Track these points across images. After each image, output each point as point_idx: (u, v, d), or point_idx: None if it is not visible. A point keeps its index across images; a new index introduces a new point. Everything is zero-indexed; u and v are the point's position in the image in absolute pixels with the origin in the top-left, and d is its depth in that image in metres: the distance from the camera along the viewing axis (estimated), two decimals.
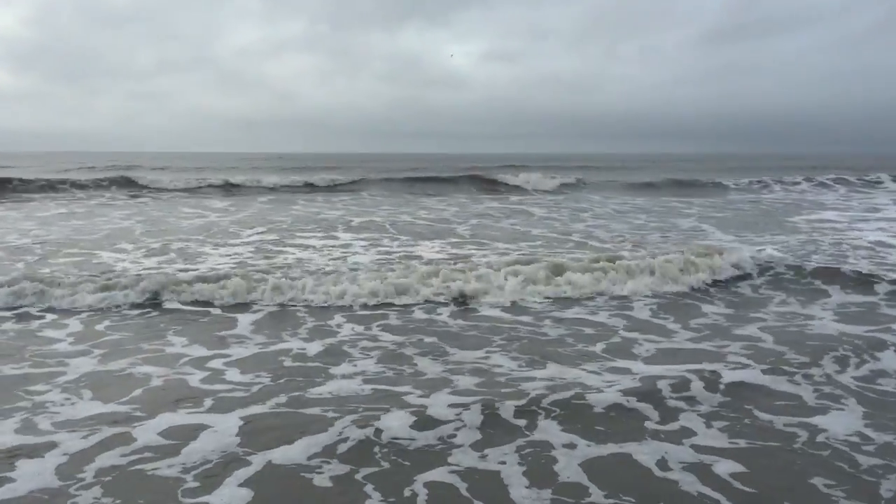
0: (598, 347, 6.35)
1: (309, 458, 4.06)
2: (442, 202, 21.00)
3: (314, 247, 11.57)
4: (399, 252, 11.06)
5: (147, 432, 4.38)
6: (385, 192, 23.50)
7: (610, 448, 4.22)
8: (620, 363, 5.87)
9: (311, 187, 23.19)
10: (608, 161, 60.60)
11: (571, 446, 4.24)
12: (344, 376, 5.49)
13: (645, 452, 4.17)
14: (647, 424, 4.60)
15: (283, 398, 5.00)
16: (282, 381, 5.38)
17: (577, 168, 41.88)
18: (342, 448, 4.20)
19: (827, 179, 29.82)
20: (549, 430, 4.49)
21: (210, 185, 22.85)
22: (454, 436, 4.38)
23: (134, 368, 5.62)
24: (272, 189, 23.04)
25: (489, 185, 26.08)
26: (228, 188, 22.49)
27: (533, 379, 5.43)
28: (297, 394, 5.09)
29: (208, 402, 4.90)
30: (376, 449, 4.19)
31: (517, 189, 25.38)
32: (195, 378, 5.43)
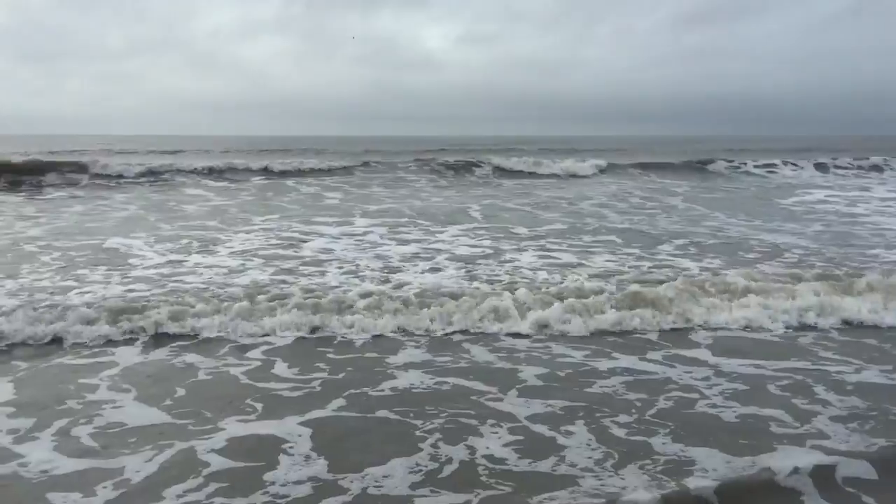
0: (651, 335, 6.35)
1: (412, 488, 3.54)
2: (441, 186, 20.82)
3: (331, 235, 11.26)
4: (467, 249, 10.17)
5: (212, 450, 3.94)
6: (379, 175, 23.13)
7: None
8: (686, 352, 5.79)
9: (302, 171, 22.58)
10: (590, 143, 60.67)
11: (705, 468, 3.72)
12: (400, 367, 5.32)
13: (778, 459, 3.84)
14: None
15: (344, 399, 4.68)
16: (339, 376, 5.15)
17: (565, 151, 41.88)
18: (446, 472, 3.70)
19: (802, 161, 30.06)
20: (665, 446, 4.02)
21: (196, 170, 21.99)
22: (563, 458, 3.84)
23: (177, 358, 5.47)
24: (264, 172, 22.46)
25: (487, 170, 25.21)
26: (219, 172, 21.81)
27: (604, 373, 5.29)
28: (359, 391, 4.84)
29: (263, 405, 4.58)
30: (482, 475, 3.65)
31: (521, 173, 24.81)
32: (240, 370, 5.25)
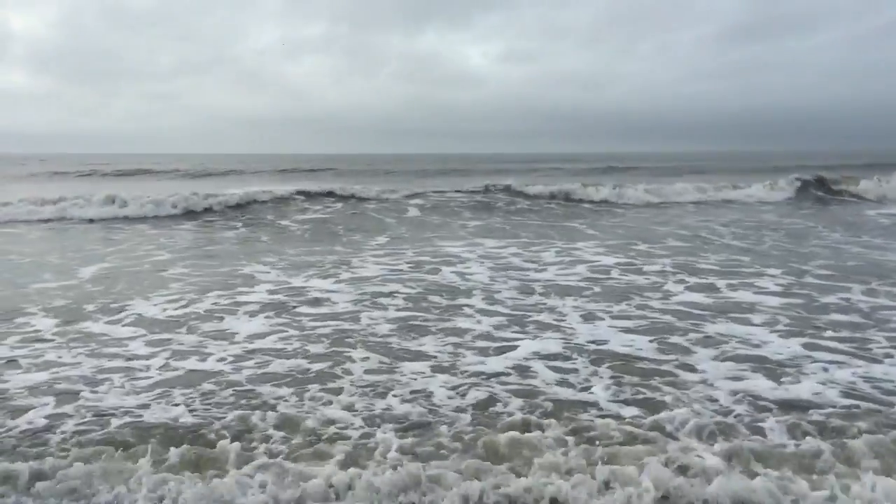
0: None
1: None
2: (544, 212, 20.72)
3: (462, 257, 11.30)
4: None
5: None
6: (460, 197, 22.69)
7: None
8: None
9: (385, 196, 20.85)
10: (644, 160, 60.47)
11: None
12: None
13: None
14: None
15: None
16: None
17: (621, 169, 41.71)
18: None
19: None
20: None
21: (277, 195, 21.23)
22: None
23: None
24: (336, 195, 22.10)
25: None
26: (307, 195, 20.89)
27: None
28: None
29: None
30: None
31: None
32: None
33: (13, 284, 9.14)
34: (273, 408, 4.87)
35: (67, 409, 4.88)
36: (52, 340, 6.54)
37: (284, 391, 5.22)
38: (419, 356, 6.09)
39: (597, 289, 8.86)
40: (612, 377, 5.52)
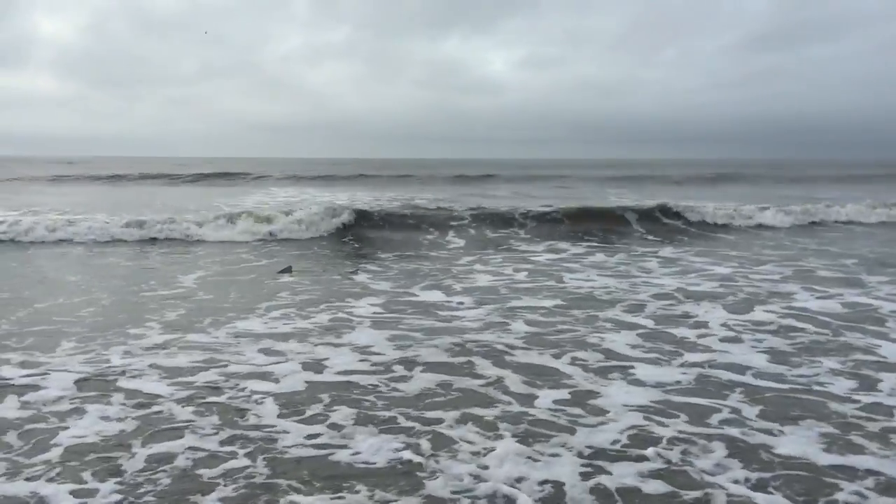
0: None
1: None
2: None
3: (576, 264, 11.17)
4: None
5: None
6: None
7: None
8: None
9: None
10: (671, 167, 60.06)
11: None
12: None
13: None
14: None
15: None
16: None
17: (644, 177, 41.42)
18: None
19: None
20: None
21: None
22: None
23: None
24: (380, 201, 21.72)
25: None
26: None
27: None
28: None
29: None
30: None
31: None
32: None
33: (122, 291, 8.92)
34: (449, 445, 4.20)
35: (223, 427, 4.47)
36: (180, 350, 6.15)
37: (445, 414, 4.69)
38: (558, 382, 5.40)
39: (741, 294, 8.70)
40: (817, 428, 4.49)
